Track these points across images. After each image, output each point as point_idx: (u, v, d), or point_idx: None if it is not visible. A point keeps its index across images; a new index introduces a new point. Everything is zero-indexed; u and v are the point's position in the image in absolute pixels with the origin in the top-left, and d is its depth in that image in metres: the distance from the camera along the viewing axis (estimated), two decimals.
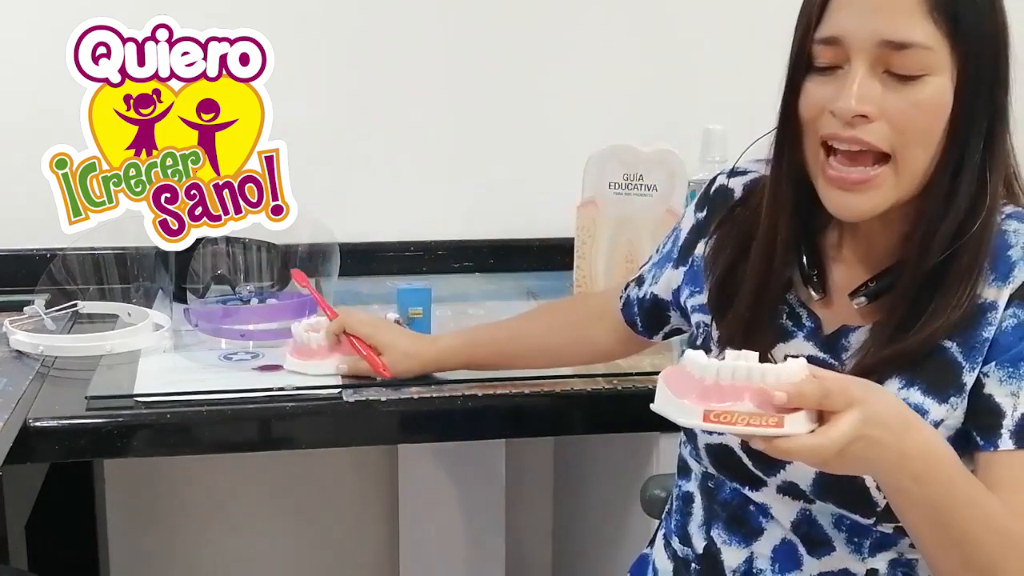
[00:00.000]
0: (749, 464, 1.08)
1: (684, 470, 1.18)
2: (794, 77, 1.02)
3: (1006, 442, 0.99)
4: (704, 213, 1.20)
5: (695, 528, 1.15)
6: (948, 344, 1.00)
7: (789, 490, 1.06)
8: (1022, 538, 0.94)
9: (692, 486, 1.16)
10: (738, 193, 1.17)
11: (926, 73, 0.97)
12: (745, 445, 1.05)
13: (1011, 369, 0.99)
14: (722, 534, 1.12)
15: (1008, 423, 0.99)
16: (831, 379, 0.86)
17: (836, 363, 1.06)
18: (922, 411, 1.01)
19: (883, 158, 0.98)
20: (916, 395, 1.01)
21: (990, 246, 1.01)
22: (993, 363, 1.00)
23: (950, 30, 0.96)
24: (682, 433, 1.17)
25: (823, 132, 1.00)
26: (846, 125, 0.97)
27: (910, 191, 1.00)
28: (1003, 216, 1.03)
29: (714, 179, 1.21)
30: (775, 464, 1.04)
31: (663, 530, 1.22)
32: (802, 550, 1.08)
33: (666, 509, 1.24)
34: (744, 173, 1.18)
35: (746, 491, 1.10)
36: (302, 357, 1.38)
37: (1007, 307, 1.00)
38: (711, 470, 1.12)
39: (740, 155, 1.18)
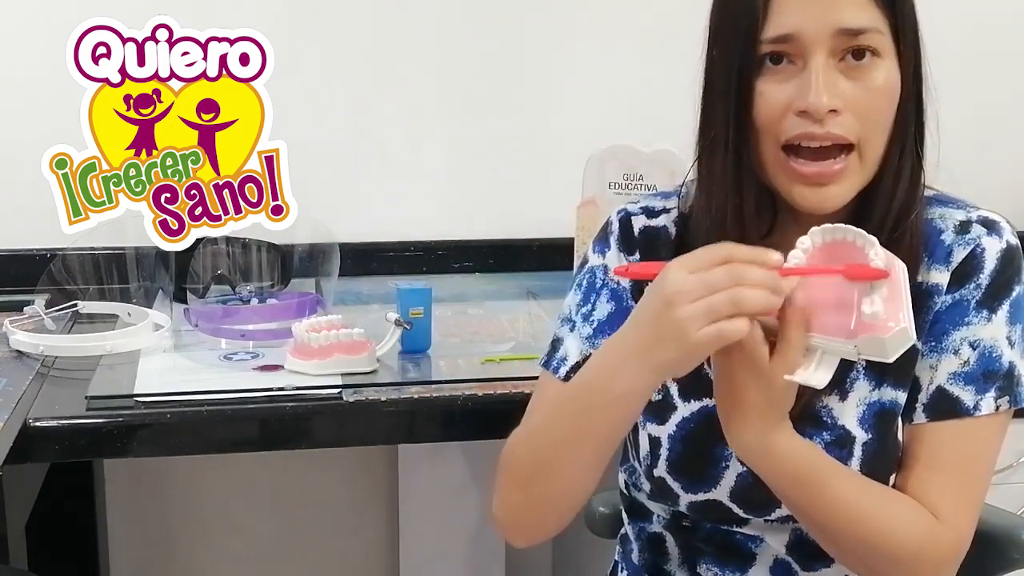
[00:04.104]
0: (740, 512, 1.07)
1: (640, 513, 1.16)
2: (744, 81, 0.99)
3: (919, 416, 1.03)
4: (638, 256, 1.12)
5: (675, 567, 1.13)
6: None
7: (781, 520, 1.06)
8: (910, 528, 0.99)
9: (657, 527, 1.14)
10: (672, 228, 1.12)
11: (878, 57, 0.98)
12: (735, 496, 1.05)
13: (933, 343, 1.03)
14: (711, 567, 1.10)
15: (923, 396, 1.03)
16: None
17: None
18: (896, 405, 1.02)
19: (847, 148, 0.99)
20: (888, 392, 1.03)
21: (923, 230, 1.03)
22: (923, 339, 1.03)
23: (890, 12, 0.98)
24: (634, 478, 1.15)
25: (790, 134, 0.98)
26: (816, 123, 0.97)
27: (871, 176, 1.01)
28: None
29: (626, 221, 1.14)
30: (769, 506, 1.05)
31: (625, 571, 1.20)
32: (796, 567, 1.08)
33: (621, 549, 1.22)
34: (664, 210, 1.13)
35: (734, 527, 1.09)
36: (302, 357, 1.38)
37: (948, 288, 1.03)
38: (690, 514, 1.10)
39: (685, 176, 1.12)
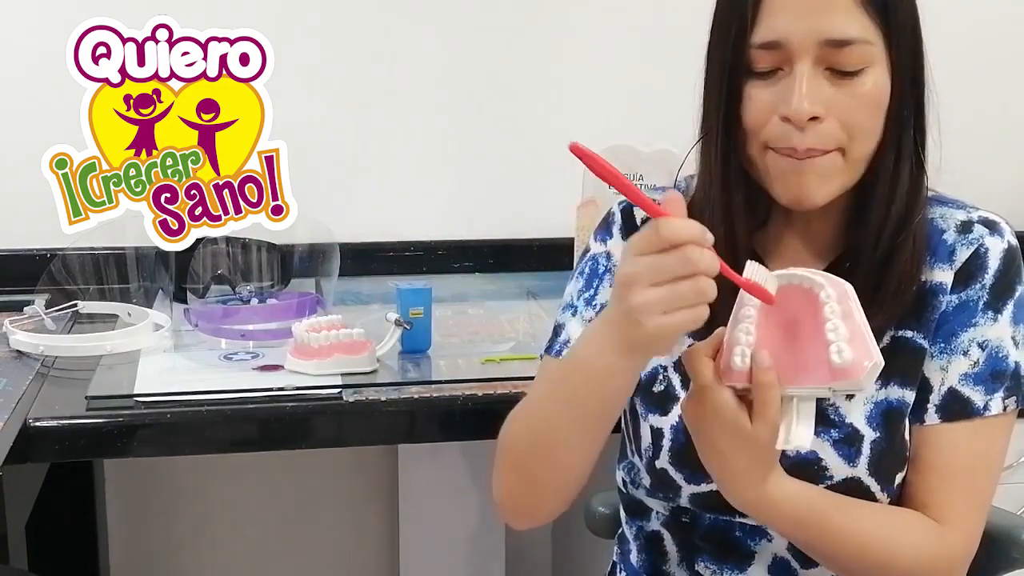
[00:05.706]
0: None
1: (638, 511, 1.16)
2: (732, 83, 1.00)
3: (932, 416, 1.03)
4: None
5: (673, 567, 1.13)
6: (909, 333, 1.04)
7: None
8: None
9: (656, 525, 1.14)
10: None
11: (866, 66, 0.98)
12: None
13: (943, 344, 1.03)
14: (710, 566, 1.10)
15: (935, 397, 1.03)
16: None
17: None
18: (904, 404, 1.03)
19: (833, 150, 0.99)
20: (895, 391, 1.04)
21: (925, 230, 1.04)
22: (931, 340, 1.03)
23: (882, 21, 0.98)
24: (633, 474, 1.14)
25: (773, 140, 0.99)
26: (798, 130, 0.97)
27: (857, 177, 1.02)
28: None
29: (628, 211, 1.15)
30: None
31: (623, 572, 1.20)
32: (796, 564, 1.08)
33: (619, 550, 1.22)
34: None
35: (735, 518, 1.08)
36: (302, 357, 1.38)
37: (952, 288, 1.03)
38: (692, 508, 1.10)
39: (679, 169, 1.14)
